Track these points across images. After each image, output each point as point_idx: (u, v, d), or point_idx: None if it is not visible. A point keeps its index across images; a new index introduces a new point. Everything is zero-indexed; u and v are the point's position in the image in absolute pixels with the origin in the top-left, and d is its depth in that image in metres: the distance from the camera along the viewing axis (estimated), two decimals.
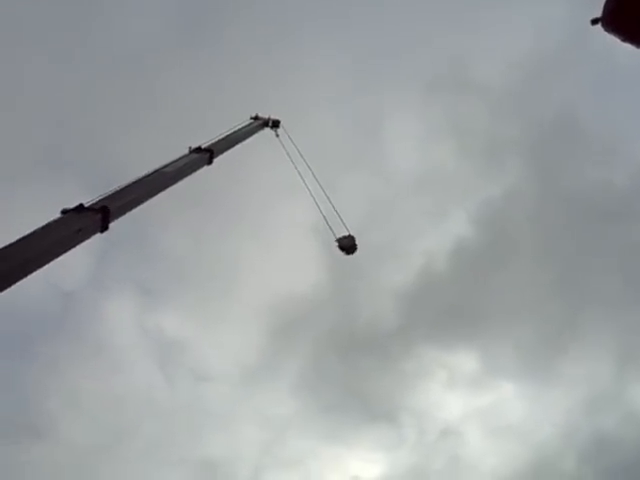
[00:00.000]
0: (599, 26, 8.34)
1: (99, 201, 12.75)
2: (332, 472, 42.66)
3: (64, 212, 11.97)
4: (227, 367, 42.13)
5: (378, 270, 39.32)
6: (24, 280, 10.27)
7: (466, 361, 42.71)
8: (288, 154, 22.61)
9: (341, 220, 20.82)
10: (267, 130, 23.24)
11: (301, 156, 22.41)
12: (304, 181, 21.89)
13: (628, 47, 7.82)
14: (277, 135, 23.55)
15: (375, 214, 40.00)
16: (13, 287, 10.03)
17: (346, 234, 20.47)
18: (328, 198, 21.58)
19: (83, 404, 39.16)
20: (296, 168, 22.16)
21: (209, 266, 40.50)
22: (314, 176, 22.13)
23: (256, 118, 22.55)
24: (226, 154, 18.38)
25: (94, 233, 12.40)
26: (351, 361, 40.99)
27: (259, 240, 40.37)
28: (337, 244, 20.25)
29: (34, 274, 10.53)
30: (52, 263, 11.08)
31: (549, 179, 42.72)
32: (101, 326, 40.41)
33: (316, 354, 41.04)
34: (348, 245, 20.17)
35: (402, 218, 42.08)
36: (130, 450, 38.93)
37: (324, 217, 21.05)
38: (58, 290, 39.59)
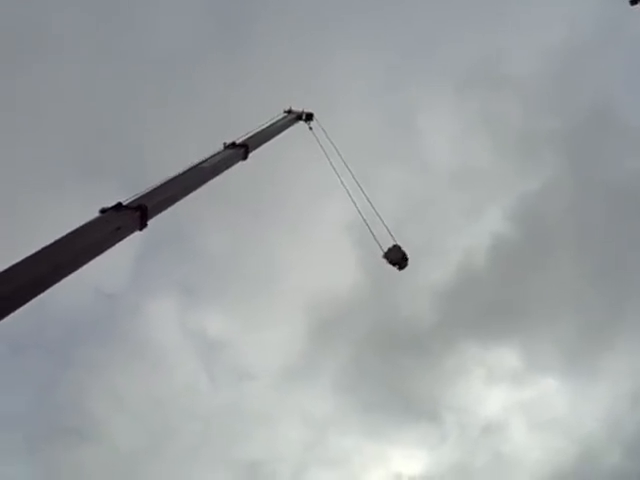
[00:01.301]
0: (637, 8, 8.20)
1: (137, 199, 12.94)
2: (374, 469, 42.61)
3: (103, 211, 12.18)
4: (268, 366, 42.42)
5: (416, 268, 38.79)
6: (67, 280, 10.39)
7: (507, 357, 42.42)
8: (322, 147, 22.41)
9: (383, 223, 19.91)
10: (301, 123, 23.16)
11: (335, 149, 22.23)
12: (338, 176, 21.59)
13: None
14: (310, 128, 23.42)
15: (411, 210, 39.86)
16: (57, 286, 10.13)
17: (390, 244, 18.88)
18: (367, 197, 21.12)
19: (126, 405, 39.67)
20: (330, 162, 21.90)
21: (248, 264, 40.81)
22: (349, 170, 21.79)
23: (289, 112, 22.48)
24: (263, 150, 18.43)
25: (133, 231, 12.57)
26: (391, 359, 40.99)
27: (297, 238, 40.61)
28: (385, 260, 18.68)
29: (76, 275, 10.64)
30: (93, 264, 11.22)
31: (586, 171, 42.24)
32: (143, 327, 40.86)
33: (356, 353, 41.10)
34: (398, 258, 18.52)
35: (438, 214, 41.95)
36: (173, 451, 39.41)
37: (364, 221, 20.19)
38: (100, 292, 40.14)
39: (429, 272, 40.57)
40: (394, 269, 18.82)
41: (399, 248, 18.74)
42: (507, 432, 41.64)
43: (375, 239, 19.14)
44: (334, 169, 21.75)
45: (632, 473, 36.42)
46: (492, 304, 41.24)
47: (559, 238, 41.21)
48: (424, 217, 40.79)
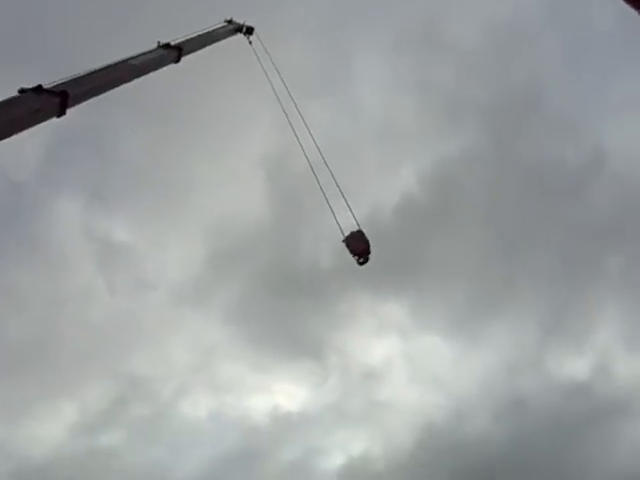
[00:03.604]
0: None
1: (59, 85, 12.62)
2: (254, 399, 43.30)
3: (22, 91, 11.86)
4: (166, 283, 42.03)
5: (323, 211, 39.02)
6: None
7: (397, 311, 43.48)
8: (260, 63, 21.79)
9: (343, 197, 18.27)
10: (240, 37, 22.55)
11: (275, 67, 21.57)
12: (277, 96, 20.68)
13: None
14: (250, 42, 22.76)
15: (329, 153, 39.63)
16: None
17: (348, 226, 16.85)
18: (306, 125, 20.23)
19: (19, 300, 38.52)
20: (268, 79, 21.14)
21: (161, 176, 39.82)
22: (288, 91, 21.03)
23: (230, 22, 21.91)
24: (197, 58, 17.95)
25: (51, 116, 12.42)
26: (285, 297, 41.38)
27: (215, 158, 39.74)
28: (345, 243, 16.51)
29: None
30: (4, 147, 10.85)
31: (505, 148, 43.15)
32: (47, 223, 39.47)
33: (252, 286, 41.29)
34: (360, 251, 16.31)
35: (355, 162, 41.85)
36: (62, 354, 38.65)
37: (324, 195, 18.31)
38: (7, 179, 38.41)
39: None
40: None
41: (362, 235, 16.65)
42: (387, 381, 43.06)
43: (337, 221, 17.27)
44: (272, 87, 20.99)
45: (498, 436, 38.75)
46: (391, 259, 41.84)
47: (467, 208, 42.33)
48: (340, 162, 40.64)
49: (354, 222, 17.37)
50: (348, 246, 16.42)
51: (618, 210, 40.40)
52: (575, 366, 41.06)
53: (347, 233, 16.81)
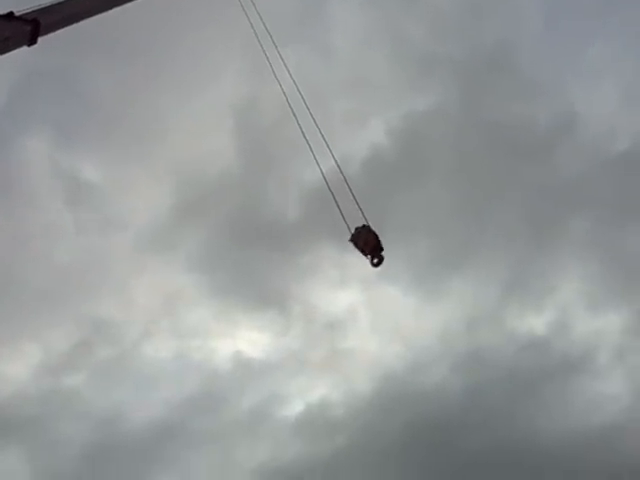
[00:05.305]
0: None
1: (31, 12, 12.21)
2: (217, 345, 43.38)
3: None
4: (133, 225, 41.34)
5: (290, 162, 38.82)
6: None
7: (360, 264, 42.94)
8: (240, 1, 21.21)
9: (324, 140, 17.68)
10: None
11: (255, 9, 20.94)
12: (257, 35, 20.12)
13: None
14: None
15: (299, 100, 39.27)
16: None
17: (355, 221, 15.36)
18: (290, 74, 19.47)
19: None
20: (247, 17, 20.46)
21: (131, 116, 39.05)
22: (267, 31, 19.97)
23: None
24: (173, 7, 17.45)
25: (21, 45, 12.15)
26: (249, 247, 41.27)
27: (187, 103, 39.12)
28: (352, 242, 14.98)
29: None
30: None
31: (476, 105, 43.09)
32: (12, 157, 38.55)
33: (217, 235, 41.02)
34: (370, 248, 14.68)
35: (324, 111, 41.35)
36: (27, 293, 38.18)
37: (305, 138, 17.65)
38: None
39: (302, 169, 40.44)
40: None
41: (369, 230, 14.98)
42: (348, 331, 43.30)
43: (343, 218, 15.90)
44: (252, 25, 20.30)
45: (454, 386, 39.67)
46: (357, 212, 41.77)
47: (434, 162, 42.39)
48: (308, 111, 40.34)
49: (332, 164, 17.17)
50: (356, 245, 14.94)
51: (585, 173, 40.99)
52: (534, 322, 41.98)
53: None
